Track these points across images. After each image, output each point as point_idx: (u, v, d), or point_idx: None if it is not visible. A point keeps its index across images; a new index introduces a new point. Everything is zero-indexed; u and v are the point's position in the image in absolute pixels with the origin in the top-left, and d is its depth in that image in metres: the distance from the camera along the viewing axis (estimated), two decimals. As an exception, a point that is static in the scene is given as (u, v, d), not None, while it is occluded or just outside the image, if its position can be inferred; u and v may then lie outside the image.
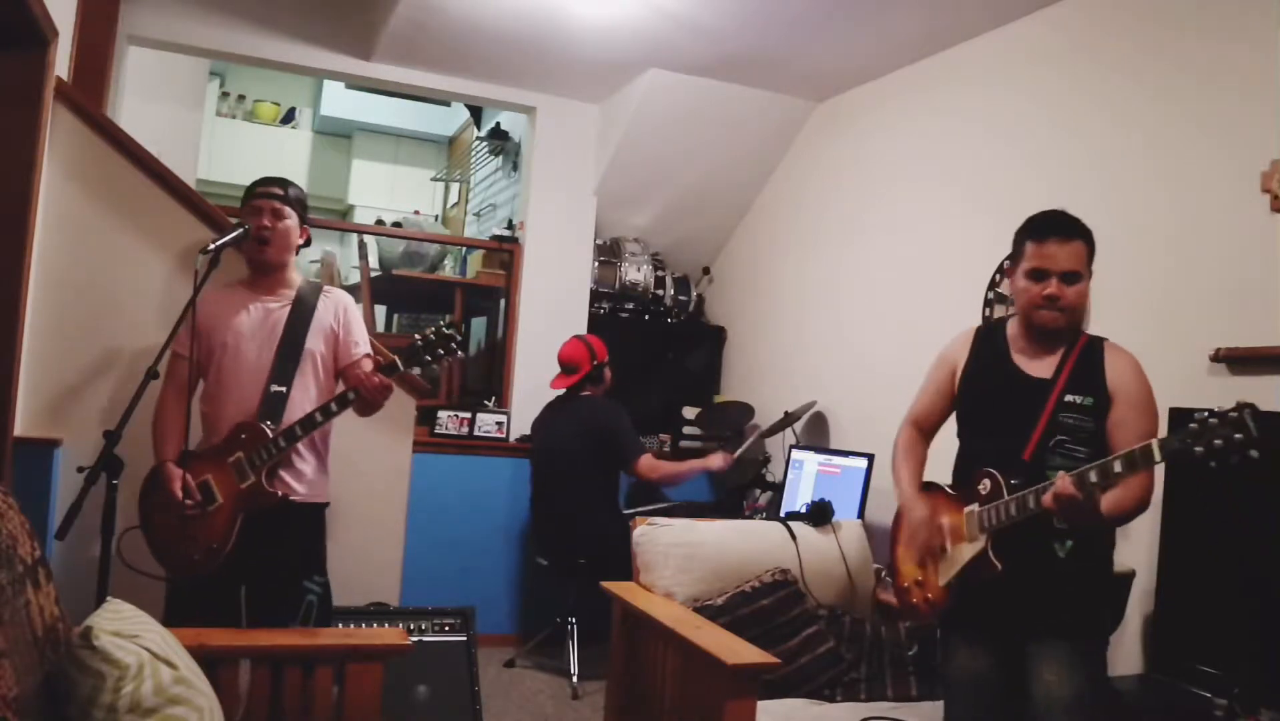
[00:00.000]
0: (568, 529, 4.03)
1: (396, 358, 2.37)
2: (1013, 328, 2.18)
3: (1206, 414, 1.63)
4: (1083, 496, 1.83)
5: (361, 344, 2.63)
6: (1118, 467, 1.78)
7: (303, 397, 2.48)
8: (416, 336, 2.35)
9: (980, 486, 2.08)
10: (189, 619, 2.24)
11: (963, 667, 2.19)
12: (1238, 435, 1.58)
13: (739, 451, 4.18)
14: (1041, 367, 2.09)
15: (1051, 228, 2.05)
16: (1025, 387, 2.08)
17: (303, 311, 2.55)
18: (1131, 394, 2.01)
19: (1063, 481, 1.85)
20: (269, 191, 2.54)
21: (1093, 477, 1.82)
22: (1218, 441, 1.60)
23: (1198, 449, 1.63)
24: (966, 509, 2.10)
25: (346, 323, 2.61)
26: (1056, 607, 2.01)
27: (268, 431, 2.38)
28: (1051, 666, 2.00)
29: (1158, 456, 1.71)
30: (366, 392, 2.38)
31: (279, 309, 2.55)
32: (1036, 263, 2.05)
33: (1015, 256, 2.12)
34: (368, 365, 2.56)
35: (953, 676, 2.22)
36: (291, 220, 2.56)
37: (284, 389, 2.46)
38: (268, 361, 2.48)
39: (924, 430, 2.34)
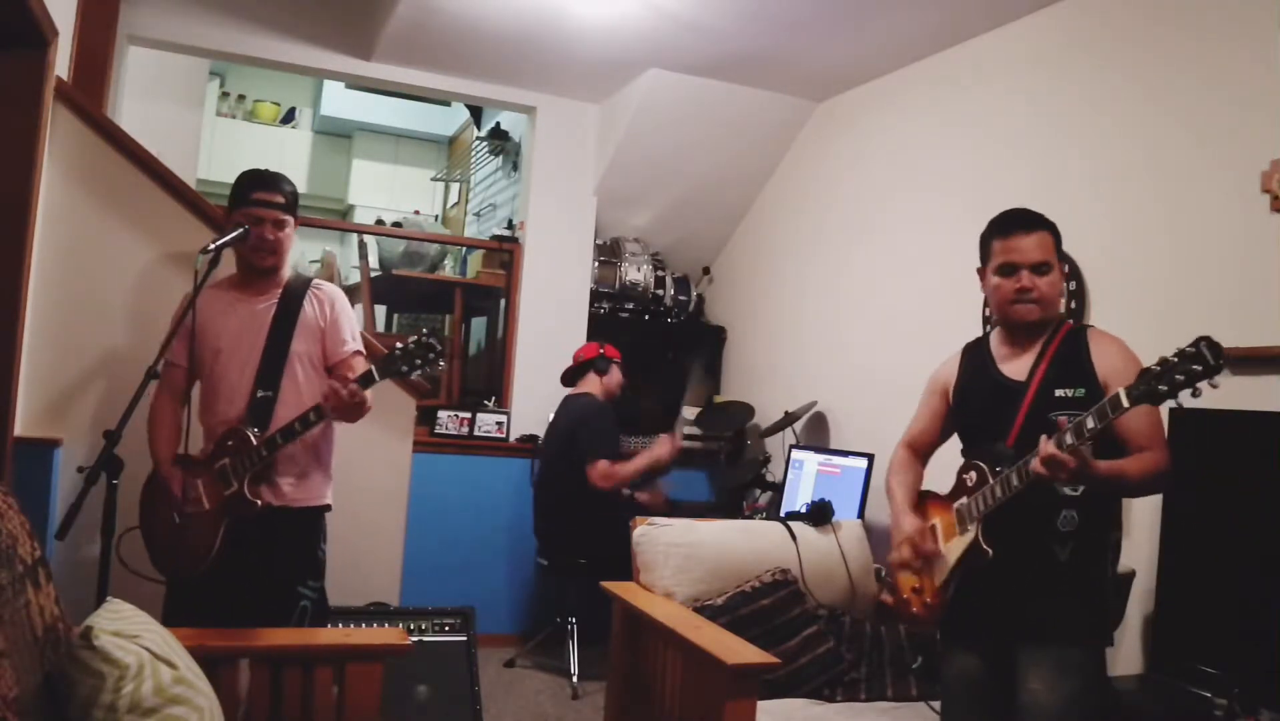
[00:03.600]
0: (567, 528, 4.03)
1: (374, 367, 2.30)
2: (995, 336, 2.18)
3: (1171, 355, 1.65)
4: (1071, 459, 1.78)
5: (350, 341, 2.55)
6: (1090, 423, 1.76)
7: (292, 401, 2.43)
8: (396, 345, 2.26)
9: (967, 479, 2.08)
10: (186, 623, 2.23)
11: (957, 671, 2.18)
12: (1196, 366, 1.59)
13: (679, 430, 4.11)
14: (1019, 368, 2.07)
15: (1016, 222, 2.06)
16: (1006, 391, 2.07)
17: (288, 311, 2.50)
18: (1126, 374, 1.93)
19: (1045, 444, 1.80)
20: (270, 200, 2.46)
21: (1069, 439, 1.78)
22: (1179, 376, 1.61)
23: (1161, 387, 1.64)
24: (955, 504, 2.10)
25: (334, 319, 2.54)
26: (1052, 612, 1.98)
27: (252, 439, 2.36)
28: (1040, 673, 1.97)
29: (1126, 403, 1.70)
30: (336, 404, 2.29)
31: (265, 309, 2.50)
32: (1005, 257, 2.05)
33: (984, 257, 2.12)
34: (359, 363, 2.50)
35: (948, 680, 2.22)
36: (291, 226, 2.51)
37: (270, 393, 2.42)
38: (254, 365, 2.45)
39: (918, 452, 2.32)
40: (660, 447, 3.98)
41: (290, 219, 2.51)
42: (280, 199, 2.49)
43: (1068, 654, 1.97)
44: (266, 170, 2.56)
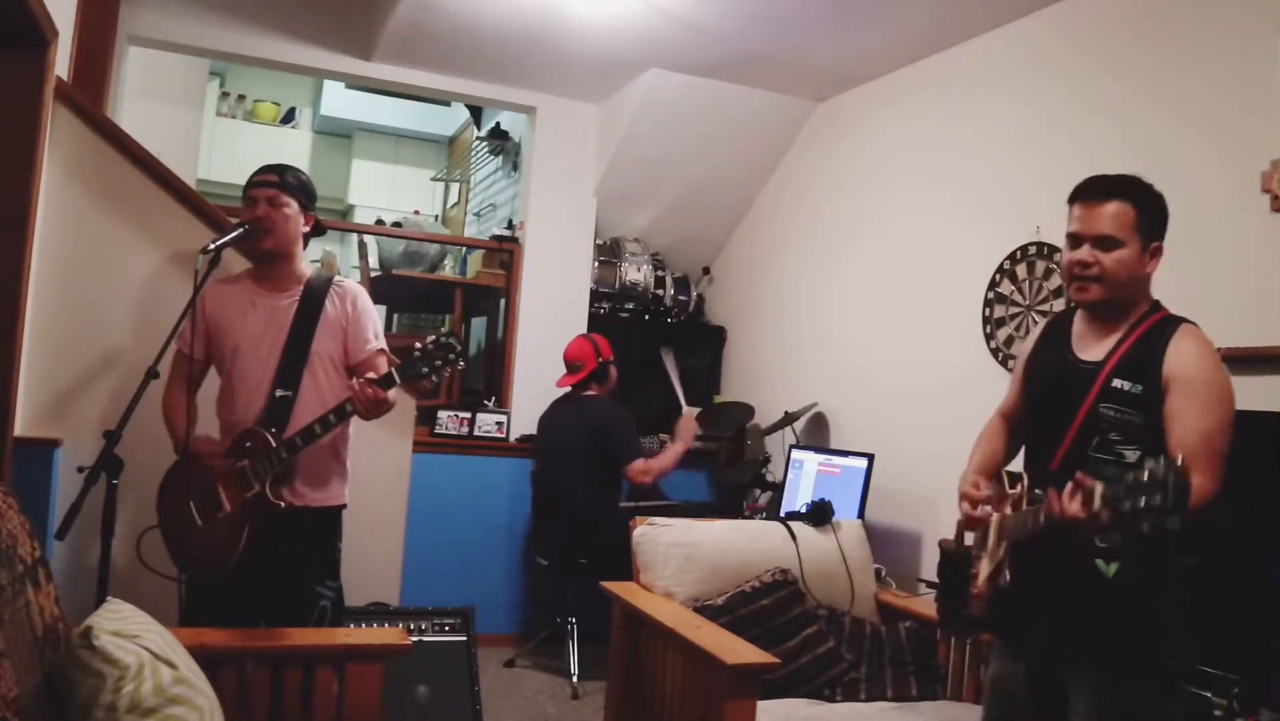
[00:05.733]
0: (568, 528, 4.03)
1: (395, 370, 2.30)
2: (1079, 314, 1.98)
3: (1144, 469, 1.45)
4: (1084, 514, 1.54)
5: (374, 339, 2.53)
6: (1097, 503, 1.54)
7: (312, 401, 2.42)
8: (416, 345, 2.26)
9: (1014, 490, 1.91)
10: (204, 621, 2.23)
11: (998, 678, 2.07)
12: (1158, 496, 1.40)
13: (687, 410, 4.32)
14: (1097, 350, 1.87)
15: (1089, 188, 1.87)
16: (1074, 374, 1.88)
17: (310, 309, 2.47)
18: (1191, 381, 1.72)
19: (1066, 500, 1.60)
20: (264, 180, 2.46)
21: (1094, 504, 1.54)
22: (1141, 500, 1.42)
23: (1125, 505, 1.45)
24: (1003, 509, 1.92)
25: (356, 318, 2.51)
26: (1093, 636, 1.80)
27: (270, 440, 2.34)
28: (1081, 702, 1.81)
29: (1096, 504, 1.51)
30: (360, 405, 2.30)
31: (286, 306, 2.48)
32: (1072, 227, 1.87)
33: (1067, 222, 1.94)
34: (382, 362, 2.49)
35: (990, 684, 2.11)
36: (291, 208, 2.46)
37: (290, 393, 2.41)
38: (273, 364, 2.43)
39: (1010, 422, 2.16)
40: (683, 432, 4.14)
41: (289, 200, 2.47)
42: (273, 177, 2.47)
43: (1115, 685, 1.79)
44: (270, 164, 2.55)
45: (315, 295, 2.50)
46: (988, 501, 1.93)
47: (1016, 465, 2.14)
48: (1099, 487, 1.53)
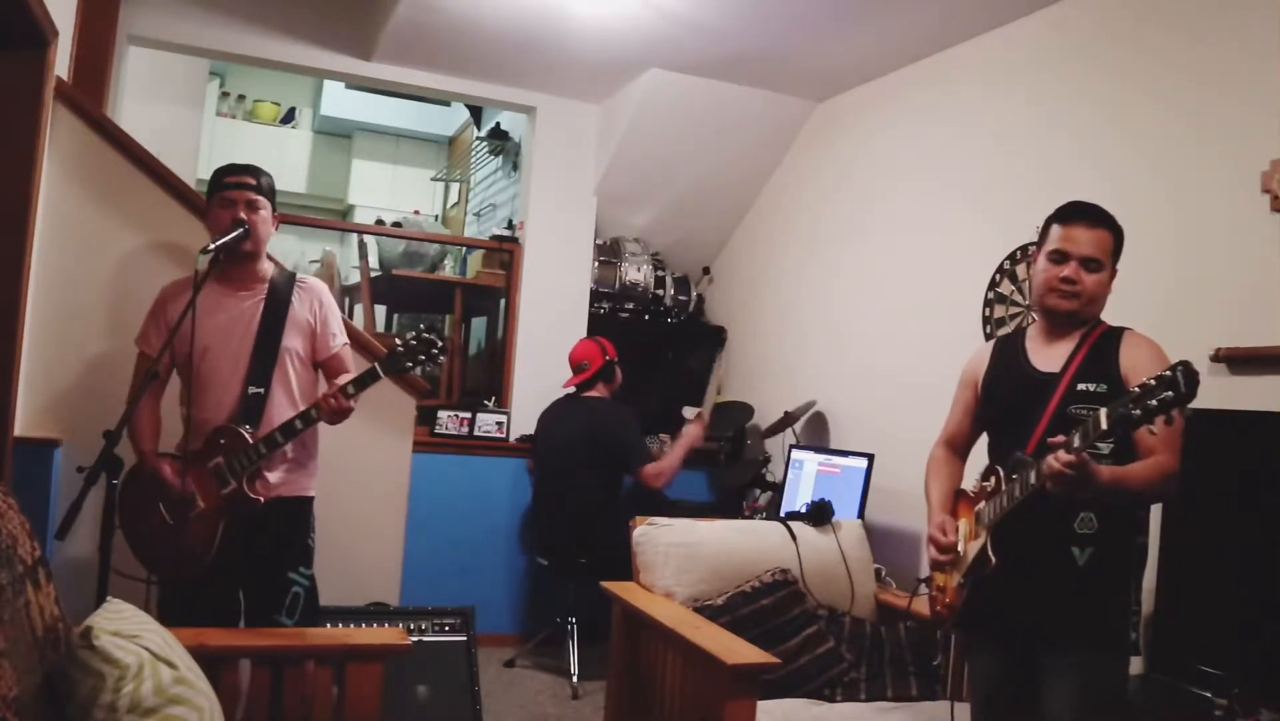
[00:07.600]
0: (569, 528, 4.03)
1: (378, 364, 2.33)
2: (1031, 331, 2.18)
3: (1149, 379, 1.63)
4: (1070, 471, 1.74)
5: (339, 335, 2.59)
6: (1076, 442, 1.75)
7: (283, 397, 2.45)
8: (397, 341, 2.32)
9: (986, 483, 2.06)
10: (181, 618, 2.23)
11: (978, 673, 2.19)
12: (1168, 393, 1.59)
13: (704, 409, 4.36)
14: (1052, 361, 2.05)
15: (1079, 213, 2.05)
16: (1035, 383, 2.05)
17: (277, 306, 2.51)
18: (1144, 371, 1.85)
19: (1049, 460, 1.78)
20: (242, 182, 2.48)
21: (1064, 455, 1.75)
22: (1153, 402, 1.60)
23: (1135, 412, 1.62)
24: (975, 507, 2.08)
25: (323, 316, 2.57)
26: (1071, 618, 1.95)
27: (247, 437, 2.36)
28: (1061, 680, 1.95)
29: (1104, 425, 1.69)
30: (326, 413, 2.35)
31: (252, 304, 2.50)
32: (1058, 245, 2.04)
33: (1041, 240, 2.11)
34: (347, 353, 2.54)
35: (972, 681, 2.22)
36: (265, 210, 2.50)
37: (262, 390, 2.43)
38: (244, 362, 2.45)
39: (955, 448, 2.33)
40: (692, 432, 4.16)
41: (265, 202, 2.50)
42: (250, 180, 2.49)
43: (1092, 661, 1.95)
44: (239, 162, 2.57)
45: (281, 293, 2.53)
46: (954, 544, 2.11)
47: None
48: (1101, 411, 1.69)
